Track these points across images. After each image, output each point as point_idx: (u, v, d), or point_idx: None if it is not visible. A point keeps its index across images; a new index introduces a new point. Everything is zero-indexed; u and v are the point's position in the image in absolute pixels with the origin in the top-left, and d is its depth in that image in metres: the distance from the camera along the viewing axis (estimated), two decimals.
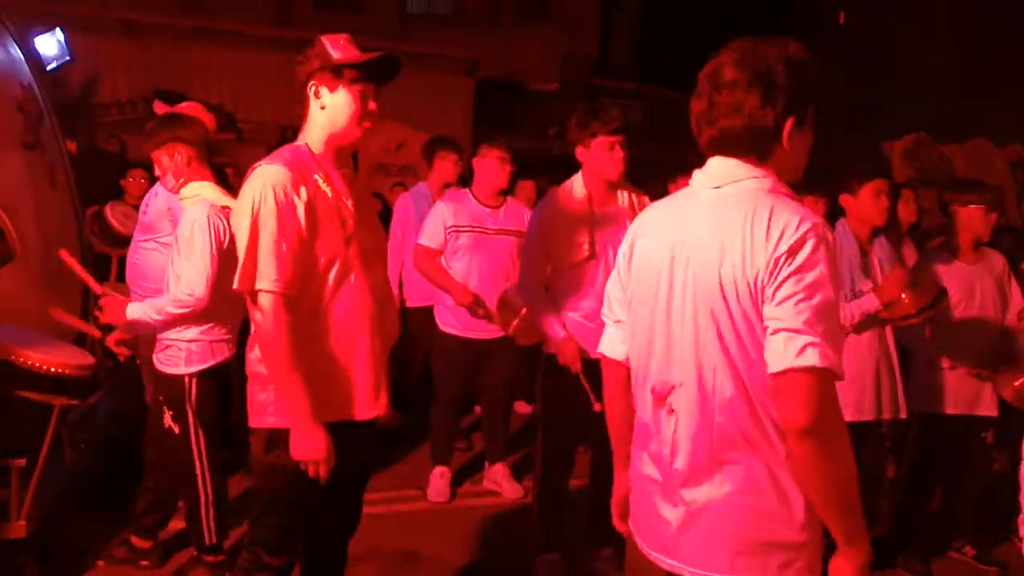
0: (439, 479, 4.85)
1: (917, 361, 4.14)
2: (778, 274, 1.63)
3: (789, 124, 1.74)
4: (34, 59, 4.86)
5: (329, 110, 2.51)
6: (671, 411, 1.79)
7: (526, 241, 3.94)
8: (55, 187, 4.86)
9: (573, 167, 3.79)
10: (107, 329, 3.71)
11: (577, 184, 3.74)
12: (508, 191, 4.88)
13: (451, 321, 4.78)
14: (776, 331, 1.63)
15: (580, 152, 3.68)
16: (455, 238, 4.68)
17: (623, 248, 1.99)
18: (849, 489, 1.69)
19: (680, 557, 1.79)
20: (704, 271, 1.72)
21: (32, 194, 4.34)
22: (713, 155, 1.82)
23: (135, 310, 3.37)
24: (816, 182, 5.30)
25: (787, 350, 1.61)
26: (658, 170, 5.61)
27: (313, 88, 2.50)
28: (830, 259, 1.65)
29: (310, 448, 2.40)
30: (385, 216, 6.17)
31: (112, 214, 5.34)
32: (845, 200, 3.80)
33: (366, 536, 2.93)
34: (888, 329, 3.78)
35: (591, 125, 3.63)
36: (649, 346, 1.86)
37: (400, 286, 5.46)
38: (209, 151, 3.52)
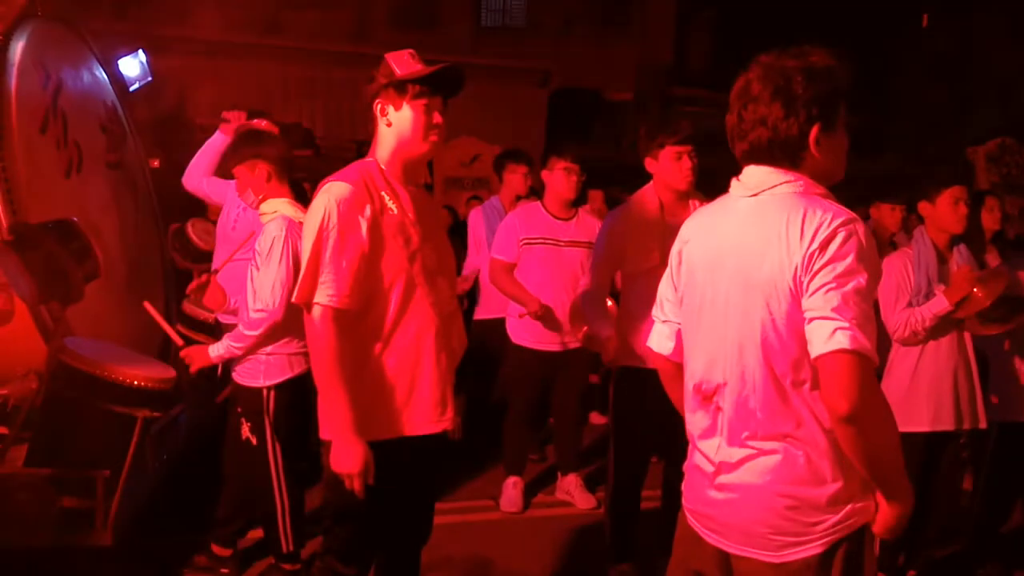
0: (512, 489, 4.84)
1: (997, 370, 4.04)
2: (812, 268, 1.73)
3: (814, 131, 1.84)
4: (118, 80, 5.03)
5: (396, 126, 2.55)
6: (718, 408, 1.92)
7: (595, 248, 3.93)
8: (138, 205, 5.02)
9: (648, 176, 3.77)
10: (190, 342, 3.80)
11: (648, 193, 3.74)
12: (579, 202, 4.85)
13: (523, 333, 4.78)
14: (811, 320, 1.73)
15: (649, 163, 3.70)
16: (527, 250, 4.67)
17: (674, 252, 2.10)
18: (893, 457, 1.80)
19: (727, 537, 1.92)
20: (745, 275, 1.84)
21: (116, 212, 4.50)
22: (748, 164, 1.93)
23: (217, 349, 3.44)
24: (899, 188, 5.18)
25: (820, 335, 1.70)
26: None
27: (380, 106, 2.55)
28: (861, 249, 1.73)
29: (348, 461, 2.42)
30: (459, 230, 6.21)
31: (194, 230, 5.47)
32: (923, 207, 3.73)
33: (439, 545, 2.94)
34: (967, 337, 3.68)
35: (658, 136, 3.65)
36: (695, 347, 1.99)
37: (474, 299, 5.48)
38: (288, 168, 3.59)
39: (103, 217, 4.36)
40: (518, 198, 5.52)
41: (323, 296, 2.42)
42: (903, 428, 3.64)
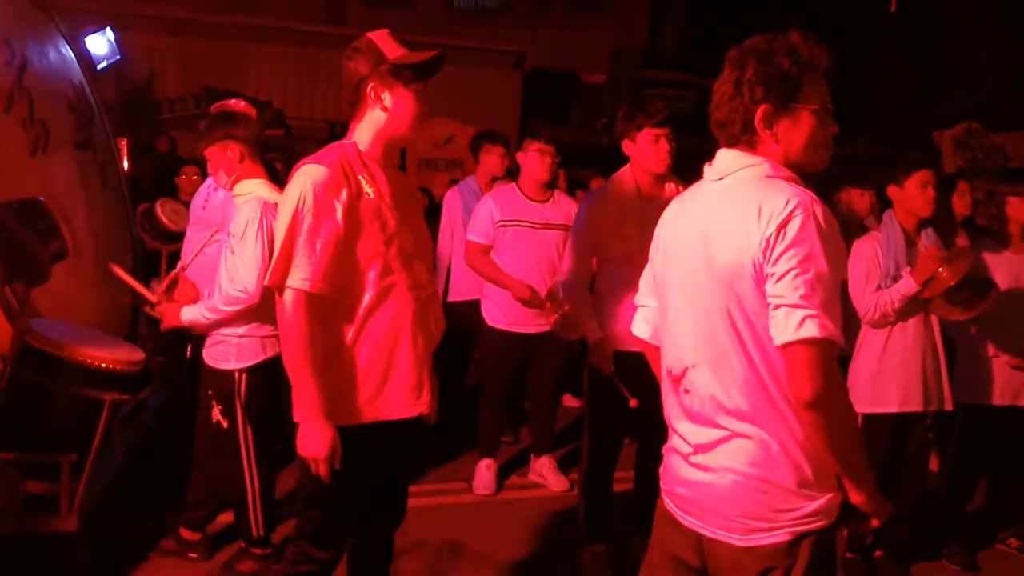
0: (485, 471, 4.85)
1: (963, 353, 4.11)
2: (772, 252, 1.74)
3: (759, 113, 1.85)
4: (85, 58, 4.93)
5: (391, 112, 2.53)
6: (686, 391, 1.94)
7: (573, 234, 3.92)
8: (106, 185, 4.94)
9: (623, 158, 3.76)
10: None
11: (625, 176, 3.73)
12: (554, 184, 4.83)
13: (498, 316, 4.77)
14: (777, 307, 1.73)
15: (627, 145, 3.68)
16: (502, 232, 4.65)
17: (655, 238, 2.12)
18: (853, 442, 1.83)
19: (700, 518, 1.93)
20: (713, 261, 1.85)
21: (84, 192, 4.42)
22: (721, 148, 1.96)
23: (189, 313, 3.41)
24: (870, 172, 5.21)
25: (788, 324, 1.71)
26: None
27: (372, 89, 2.51)
28: (820, 233, 1.73)
29: (313, 445, 2.40)
30: (435, 212, 6.18)
31: (163, 211, 5.41)
32: (892, 191, 3.77)
33: (412, 529, 2.93)
34: (934, 320, 3.74)
35: (636, 118, 3.63)
36: (666, 331, 2.04)
37: (447, 280, 5.46)
38: (261, 148, 3.54)
39: (70, 197, 4.28)
40: (494, 179, 5.49)
41: (296, 280, 2.39)
42: (872, 409, 3.74)
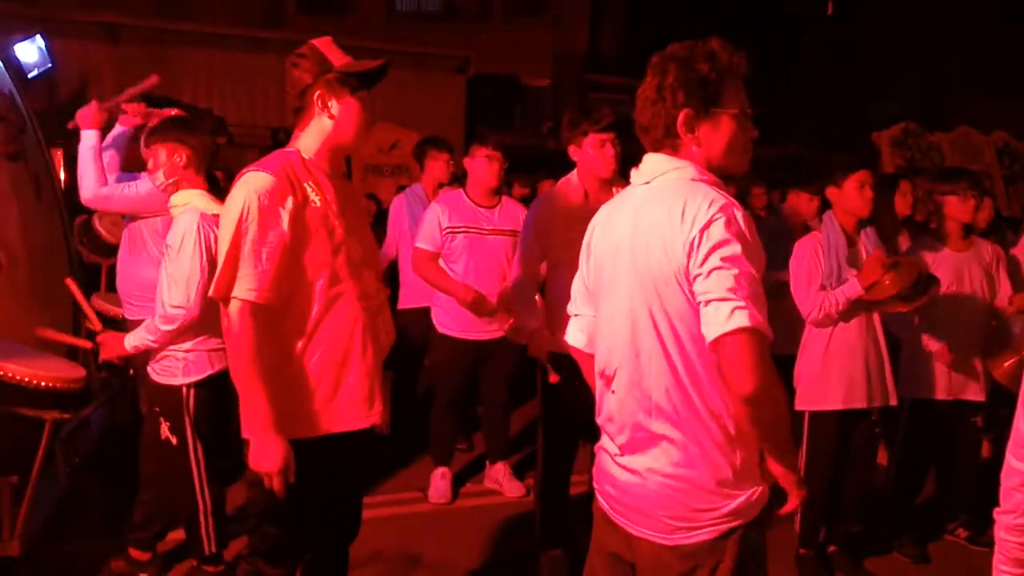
0: (440, 480, 4.81)
1: (906, 348, 4.18)
2: (697, 254, 1.77)
3: (681, 117, 1.90)
4: (14, 67, 4.78)
5: (337, 120, 2.50)
6: (613, 392, 1.99)
7: (522, 239, 3.91)
8: (40, 197, 4.80)
9: (568, 163, 3.76)
10: (108, 324, 3.65)
11: (572, 181, 3.73)
12: (501, 190, 4.82)
13: (448, 322, 4.74)
14: (707, 302, 1.76)
15: (573, 151, 3.69)
16: (450, 239, 4.62)
17: (584, 245, 2.16)
18: (784, 432, 1.89)
19: (627, 518, 1.98)
20: (637, 263, 1.90)
21: (17, 205, 4.29)
22: (648, 152, 2.00)
23: (132, 340, 3.32)
24: (808, 174, 5.30)
25: (718, 317, 1.74)
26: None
27: (318, 97, 2.48)
28: (741, 235, 1.78)
29: (267, 460, 2.35)
30: (382, 218, 6.12)
31: (100, 223, 5.26)
32: (831, 192, 3.83)
33: (367, 540, 2.89)
34: (876, 317, 3.81)
35: (582, 124, 3.64)
36: (598, 334, 2.08)
37: (395, 288, 5.41)
38: (210, 160, 3.47)
39: (3, 210, 4.15)
40: (440, 185, 5.46)
41: (241, 290, 2.34)
42: (817, 407, 3.81)
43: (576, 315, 2.23)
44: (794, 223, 5.24)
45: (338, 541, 2.80)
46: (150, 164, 3.49)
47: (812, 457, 3.85)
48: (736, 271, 1.74)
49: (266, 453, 2.35)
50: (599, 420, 2.08)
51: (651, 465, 1.91)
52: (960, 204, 4.10)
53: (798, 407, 3.86)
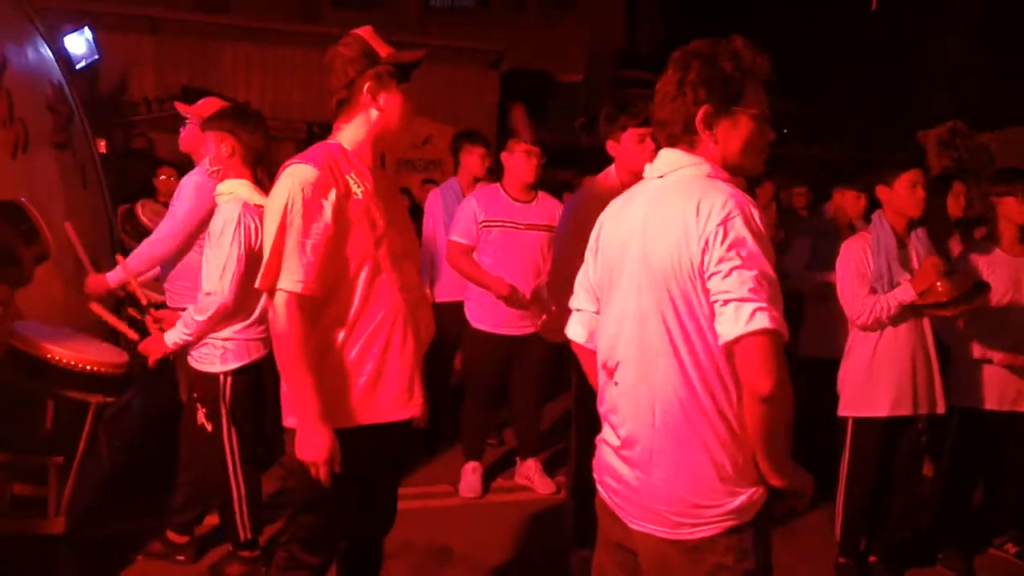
0: (471, 475, 4.84)
1: (957, 355, 4.06)
2: (713, 251, 1.78)
3: (700, 113, 1.91)
4: (63, 58, 4.87)
5: (385, 112, 2.52)
6: (616, 384, 2.00)
7: (558, 235, 3.91)
8: (86, 186, 4.89)
9: (600, 159, 3.76)
10: (143, 333, 3.72)
11: (610, 176, 3.73)
12: (538, 185, 4.83)
13: (482, 317, 4.76)
14: (726, 302, 1.76)
15: (611, 146, 3.68)
16: (486, 233, 4.64)
17: (592, 239, 2.17)
18: (785, 435, 1.90)
19: (628, 510, 1.99)
20: (648, 257, 1.90)
21: (64, 193, 4.37)
22: (663, 147, 2.01)
23: (172, 336, 3.38)
24: (855, 175, 5.23)
25: (738, 318, 1.74)
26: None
27: (368, 89, 2.49)
28: (758, 234, 1.79)
29: (313, 449, 2.38)
30: (413, 212, 6.15)
31: (143, 212, 5.37)
32: (881, 191, 3.73)
33: (398, 532, 2.92)
34: (926, 322, 3.71)
35: (620, 119, 3.63)
36: (602, 326, 2.09)
37: (431, 282, 5.45)
38: (257, 159, 3.51)
39: (51, 199, 4.23)
40: (476, 180, 5.48)
41: (287, 282, 2.37)
42: (862, 413, 3.72)
43: (578, 310, 2.24)
44: (839, 223, 5.18)
45: (374, 532, 2.84)
46: (204, 149, 3.57)
47: (855, 464, 3.78)
48: (755, 271, 1.75)
49: (313, 443, 2.38)
50: (601, 410, 2.10)
51: (655, 459, 1.91)
52: (1017, 205, 3.96)
53: (841, 413, 3.78)
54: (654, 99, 1.99)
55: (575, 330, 2.25)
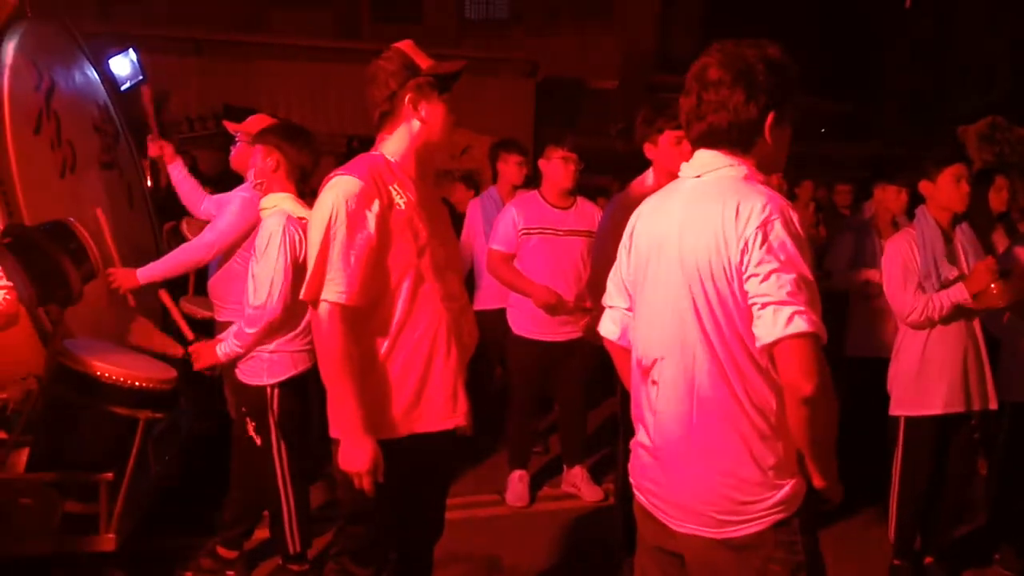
0: (517, 483, 4.82)
1: (1005, 349, 4.00)
2: (751, 254, 1.77)
3: (770, 118, 1.90)
4: (109, 80, 4.96)
5: (428, 122, 2.53)
6: (654, 382, 1.97)
7: (598, 239, 3.90)
8: (132, 204, 4.97)
9: (637, 163, 3.73)
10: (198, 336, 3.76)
11: (649, 180, 3.70)
12: (576, 191, 4.82)
13: (525, 324, 4.74)
14: (764, 305, 1.76)
15: (648, 149, 3.65)
16: (526, 241, 4.63)
17: (624, 237, 2.14)
18: (832, 437, 1.89)
19: (671, 514, 1.96)
20: (685, 255, 1.89)
21: (111, 212, 4.44)
22: (699, 148, 1.98)
23: (223, 348, 3.40)
24: (894, 172, 5.16)
25: (777, 321, 1.74)
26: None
27: (409, 100, 2.51)
28: (797, 237, 1.79)
29: (357, 460, 2.38)
30: (456, 222, 6.16)
31: (188, 229, 5.42)
32: (925, 186, 3.69)
33: (445, 541, 2.91)
34: (975, 318, 3.65)
35: (657, 121, 3.61)
36: (638, 324, 2.06)
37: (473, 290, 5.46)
38: (301, 176, 3.53)
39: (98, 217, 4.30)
40: (515, 188, 5.48)
41: (331, 293, 2.38)
42: (916, 412, 3.66)
43: (610, 307, 2.22)
44: (882, 220, 5.11)
45: (424, 542, 2.83)
46: (251, 162, 3.61)
47: (909, 464, 3.72)
48: (794, 275, 1.75)
49: (356, 453, 2.38)
50: (634, 412, 2.08)
51: (695, 458, 1.90)
52: None
53: (893, 412, 3.73)
54: (701, 100, 1.94)
55: (608, 327, 2.23)
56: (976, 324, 3.65)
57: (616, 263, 2.18)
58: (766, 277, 1.75)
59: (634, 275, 2.09)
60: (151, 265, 3.99)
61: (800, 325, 1.72)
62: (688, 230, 1.89)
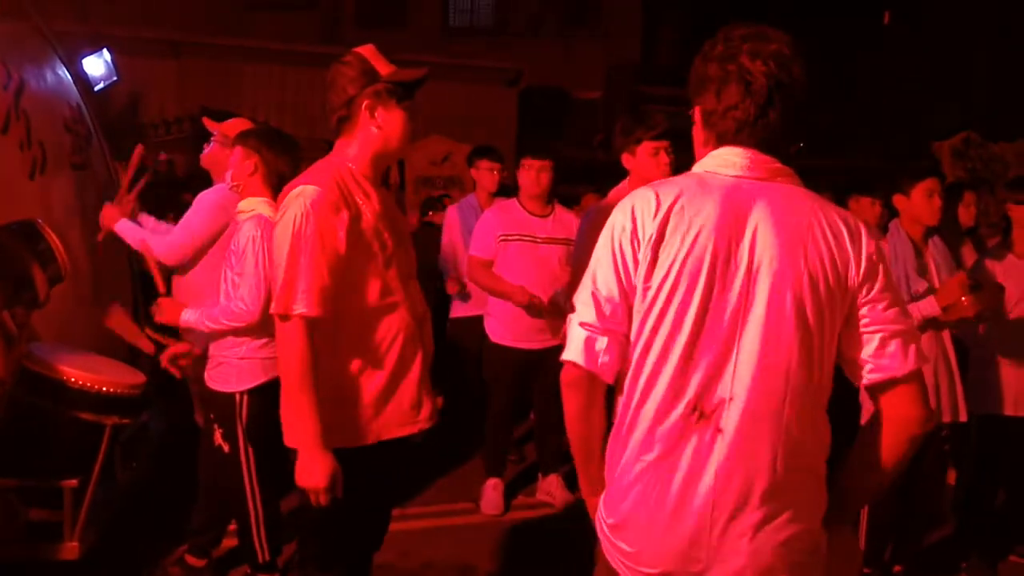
0: (492, 491, 4.79)
1: (974, 361, 4.06)
2: (874, 277, 1.67)
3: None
4: (82, 80, 4.91)
5: (384, 130, 2.50)
6: (718, 430, 1.63)
7: (576, 248, 3.89)
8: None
9: (619, 174, 3.73)
10: (160, 347, 3.71)
11: (625, 191, 3.69)
12: (552, 199, 4.80)
13: (501, 331, 4.73)
14: (893, 334, 1.68)
15: (626, 159, 3.66)
16: (504, 247, 4.64)
17: (631, 238, 1.70)
18: None
19: None
20: (784, 267, 1.63)
21: (81, 214, 4.38)
22: (734, 141, 1.72)
23: (189, 316, 3.37)
24: (870, 184, 5.20)
25: (907, 354, 1.68)
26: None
27: (366, 107, 2.47)
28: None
29: (313, 476, 2.33)
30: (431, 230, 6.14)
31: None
32: (898, 200, 3.75)
33: (419, 550, 2.89)
34: (946, 331, 3.68)
35: (635, 131, 3.61)
36: (686, 357, 1.64)
37: (449, 297, 5.44)
38: (279, 181, 3.48)
39: (69, 219, 4.24)
40: (492, 195, 5.47)
41: (300, 304, 2.33)
42: None
43: (606, 329, 1.72)
44: None
45: (370, 548, 2.81)
46: (228, 162, 3.56)
47: None
48: (904, 304, 1.73)
49: (312, 469, 2.33)
50: (672, 469, 1.66)
51: (791, 510, 1.64)
52: None
53: (864, 423, 3.74)
54: (725, 85, 1.70)
55: (596, 356, 1.72)
56: (946, 336, 3.68)
57: (612, 273, 1.73)
58: (890, 305, 1.68)
59: (665, 295, 1.66)
60: (131, 226, 3.99)
61: (923, 356, 1.70)
62: (782, 243, 1.63)
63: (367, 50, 2.53)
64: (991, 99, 17.52)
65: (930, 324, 3.58)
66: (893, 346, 1.67)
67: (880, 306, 1.68)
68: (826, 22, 19.12)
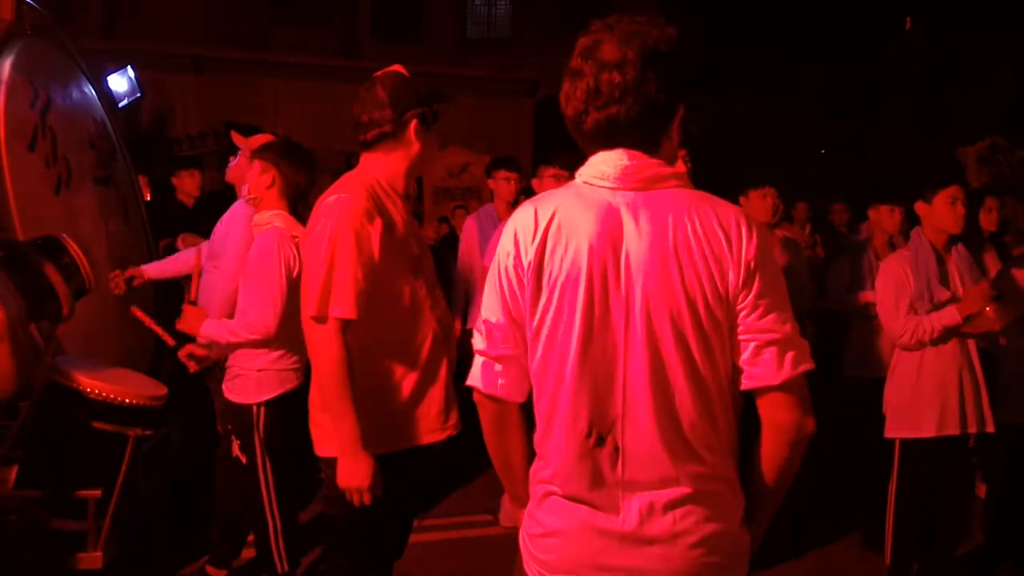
0: (510, 503, 4.77)
1: (1004, 370, 3.94)
2: (751, 283, 1.60)
3: (680, 111, 1.69)
4: (106, 96, 4.99)
5: (424, 149, 2.61)
6: (616, 448, 1.62)
7: None
8: (128, 220, 4.97)
9: None
10: (181, 342, 3.74)
11: None
12: None
13: None
14: (768, 343, 1.62)
15: None
16: None
17: (515, 264, 1.68)
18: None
19: None
20: (658, 285, 1.58)
21: (105, 228, 4.44)
22: (596, 145, 1.67)
23: (210, 328, 3.41)
24: (891, 190, 5.17)
25: (784, 362, 1.62)
26: (720, 182, 5.53)
27: (415, 126, 2.57)
28: (775, 261, 1.66)
29: (356, 476, 2.40)
30: (452, 239, 6.17)
31: (184, 245, 5.43)
32: (920, 208, 3.67)
33: (438, 561, 2.90)
34: (970, 340, 3.61)
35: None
36: (574, 378, 1.63)
37: (467, 308, 5.45)
38: (296, 194, 3.53)
39: (92, 233, 4.30)
40: (511, 205, 5.49)
41: (335, 310, 2.39)
42: (910, 434, 3.61)
43: (499, 355, 1.74)
44: (878, 240, 5.13)
45: (393, 556, 2.82)
46: (246, 175, 3.62)
47: (904, 487, 3.69)
48: (786, 303, 1.64)
49: (356, 470, 2.40)
50: (577, 490, 1.66)
51: (691, 525, 1.62)
52: None
53: (888, 435, 3.70)
54: (604, 86, 1.61)
55: (495, 381, 1.75)
56: (971, 346, 3.61)
57: (498, 297, 1.72)
58: (768, 312, 1.60)
59: (549, 316, 1.65)
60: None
61: (806, 362, 1.63)
62: (658, 257, 1.58)
63: (405, 71, 2.63)
64: (1016, 104, 17.37)
65: (954, 334, 3.54)
66: (767, 354, 1.61)
67: (755, 314, 1.60)
68: (848, 27, 19.08)
